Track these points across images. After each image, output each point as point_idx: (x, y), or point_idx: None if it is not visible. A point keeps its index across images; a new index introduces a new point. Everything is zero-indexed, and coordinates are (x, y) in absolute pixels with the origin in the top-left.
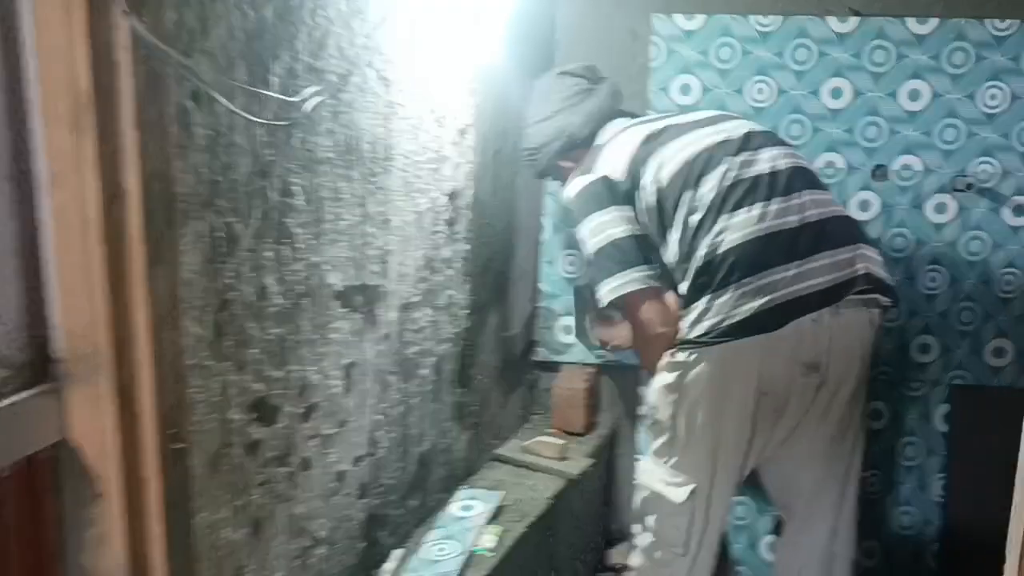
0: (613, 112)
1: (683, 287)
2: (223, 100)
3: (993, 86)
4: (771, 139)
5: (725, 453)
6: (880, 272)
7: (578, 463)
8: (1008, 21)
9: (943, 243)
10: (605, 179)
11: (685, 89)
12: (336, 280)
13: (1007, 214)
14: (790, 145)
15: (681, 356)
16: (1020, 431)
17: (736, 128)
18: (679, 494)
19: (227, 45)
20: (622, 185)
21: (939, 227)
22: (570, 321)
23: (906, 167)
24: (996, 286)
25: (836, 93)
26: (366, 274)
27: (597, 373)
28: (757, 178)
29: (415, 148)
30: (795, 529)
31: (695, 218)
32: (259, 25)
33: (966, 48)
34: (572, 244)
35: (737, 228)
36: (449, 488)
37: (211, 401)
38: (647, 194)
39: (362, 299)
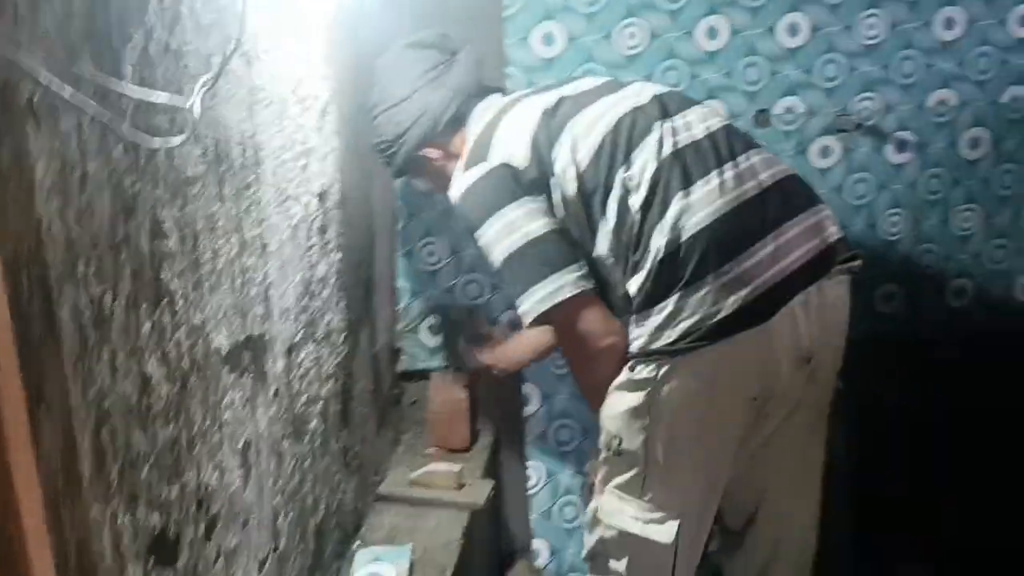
0: (480, 87)
1: (633, 284)
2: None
3: (872, 14)
4: (685, 98)
5: (713, 473)
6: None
7: (479, 488)
8: None
9: (829, 189)
10: (507, 166)
11: (548, 39)
12: (222, 340)
13: (890, 152)
14: (702, 103)
15: (647, 371)
16: (922, 382)
17: (641, 91)
18: (665, 533)
19: (65, 24)
20: (528, 172)
21: (824, 172)
22: (436, 320)
23: (789, 110)
24: (883, 229)
25: (712, 33)
26: (251, 322)
27: (474, 375)
28: (697, 143)
29: (283, 142)
30: (761, 530)
31: (637, 199)
32: None
33: None
34: (431, 231)
35: (699, 206)
36: (343, 551)
37: (104, 567)
38: (564, 180)
39: (249, 356)
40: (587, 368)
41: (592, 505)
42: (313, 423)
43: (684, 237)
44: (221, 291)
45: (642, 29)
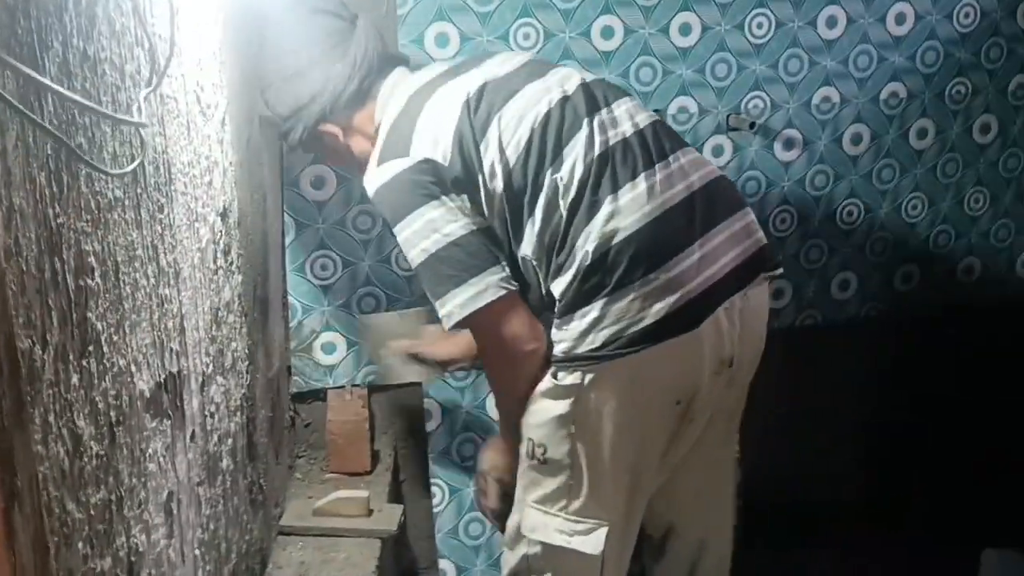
0: (384, 57)
1: (557, 287)
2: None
3: (760, 14)
4: (611, 87)
5: (639, 479)
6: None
7: (389, 514)
8: None
9: None
10: (429, 162)
11: (441, 40)
12: (144, 383)
13: (779, 149)
14: (630, 93)
15: (572, 378)
16: (802, 372)
17: (567, 79)
18: (593, 543)
19: None
20: (452, 169)
21: None
22: (331, 337)
23: (682, 110)
24: (771, 226)
25: (607, 32)
26: (168, 357)
27: (368, 393)
28: (626, 142)
29: (191, 157)
30: (681, 537)
31: (565, 201)
32: None
33: None
34: (323, 244)
35: (628, 210)
36: None
37: None
38: (491, 178)
39: (168, 397)
40: (509, 374)
41: (512, 521)
42: (224, 462)
43: (612, 242)
44: (142, 328)
45: (537, 29)
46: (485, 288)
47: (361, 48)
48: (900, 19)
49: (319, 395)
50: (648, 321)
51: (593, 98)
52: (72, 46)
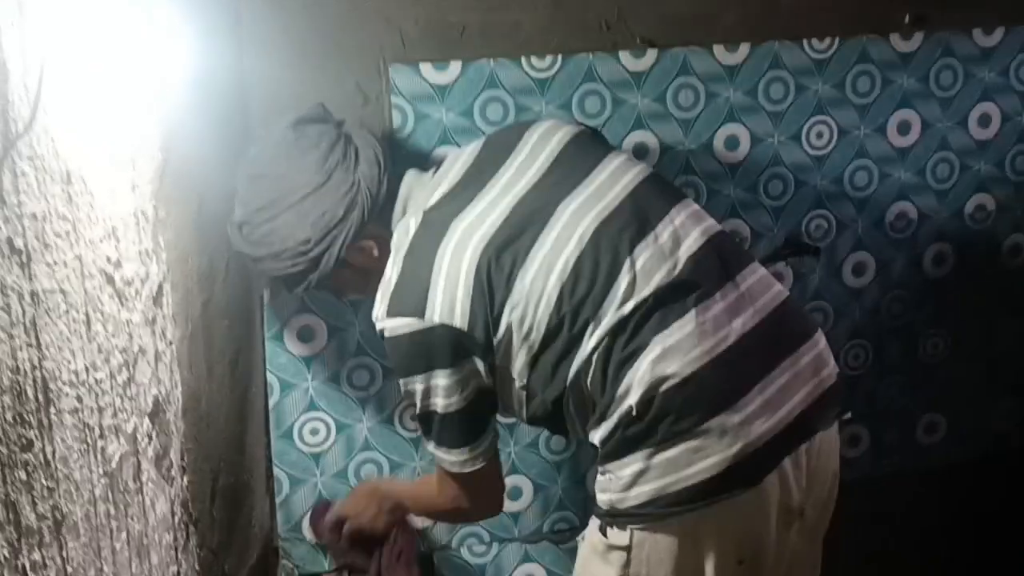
0: (389, 158)
1: (597, 435)
2: None
3: (819, 121)
4: (661, 196)
5: None
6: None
7: None
8: (827, 39)
9: None
10: (446, 328)
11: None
12: None
13: (847, 275)
14: (684, 194)
15: (621, 537)
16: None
17: (609, 187)
18: None
19: None
20: (470, 335)
21: None
22: None
23: (733, 233)
24: (842, 363)
25: (640, 149)
26: None
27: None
28: (679, 275)
29: (89, 360)
30: None
31: (606, 350)
32: None
33: (784, 77)
34: (313, 405)
35: (678, 352)
36: None
37: None
38: (511, 343)
39: None
40: (451, 518)
41: None
42: None
43: (660, 389)
44: None
45: None
46: (472, 458)
47: (373, 154)
48: (984, 121)
49: None
50: (701, 477)
51: (637, 219)
52: None
